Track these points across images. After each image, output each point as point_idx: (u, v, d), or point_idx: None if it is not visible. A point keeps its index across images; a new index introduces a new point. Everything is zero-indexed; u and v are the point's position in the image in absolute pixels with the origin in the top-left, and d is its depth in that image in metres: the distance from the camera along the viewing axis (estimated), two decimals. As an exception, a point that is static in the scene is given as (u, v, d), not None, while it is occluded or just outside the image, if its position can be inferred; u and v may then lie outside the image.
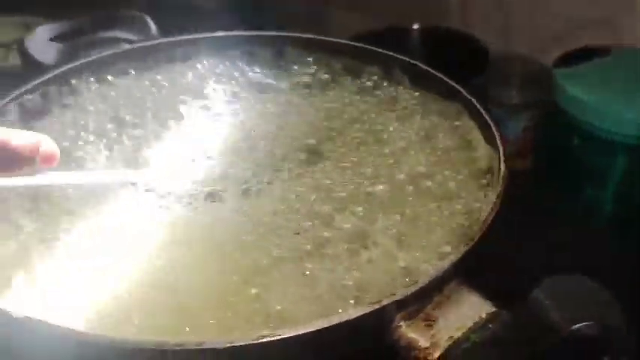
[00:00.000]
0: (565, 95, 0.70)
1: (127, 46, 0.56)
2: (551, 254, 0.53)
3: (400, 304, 0.36)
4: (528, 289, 0.36)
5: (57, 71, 0.53)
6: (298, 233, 0.43)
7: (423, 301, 0.37)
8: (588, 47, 0.74)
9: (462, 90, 0.51)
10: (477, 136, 0.49)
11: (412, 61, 0.55)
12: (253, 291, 0.39)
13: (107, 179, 0.47)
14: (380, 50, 0.57)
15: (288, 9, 0.94)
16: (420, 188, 0.45)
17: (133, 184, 0.46)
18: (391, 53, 0.56)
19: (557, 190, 0.72)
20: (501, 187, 0.42)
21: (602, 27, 0.78)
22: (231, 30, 0.61)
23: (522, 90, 0.81)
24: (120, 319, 0.38)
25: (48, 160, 0.42)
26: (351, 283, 0.40)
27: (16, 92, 0.51)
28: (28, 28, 0.99)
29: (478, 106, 0.49)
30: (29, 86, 0.52)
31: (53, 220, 0.44)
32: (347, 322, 0.35)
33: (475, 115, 0.50)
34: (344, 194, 0.45)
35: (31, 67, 0.58)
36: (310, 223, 0.43)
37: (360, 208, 0.44)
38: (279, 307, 0.38)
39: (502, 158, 0.44)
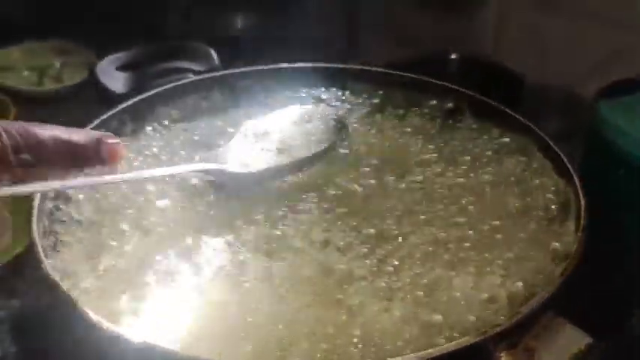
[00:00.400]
0: (609, 126, 0.71)
1: (204, 75, 0.57)
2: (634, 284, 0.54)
3: (502, 335, 0.38)
4: (621, 320, 0.38)
5: (132, 100, 0.55)
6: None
7: (522, 331, 0.38)
8: (629, 78, 0.75)
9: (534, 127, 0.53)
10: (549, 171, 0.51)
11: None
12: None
13: (181, 170, 0.47)
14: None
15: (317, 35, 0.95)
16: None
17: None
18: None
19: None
20: (585, 219, 0.44)
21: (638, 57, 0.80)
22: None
23: (558, 121, 0.83)
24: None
25: (113, 154, 0.41)
26: (439, 316, 0.41)
27: (98, 120, 0.52)
28: (62, 53, 1.01)
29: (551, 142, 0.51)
30: (111, 113, 0.53)
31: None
32: (451, 352, 0.37)
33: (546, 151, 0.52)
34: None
35: (102, 95, 0.59)
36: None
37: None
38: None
39: (581, 194, 0.46)
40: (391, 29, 0.95)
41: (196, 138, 0.53)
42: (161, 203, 0.47)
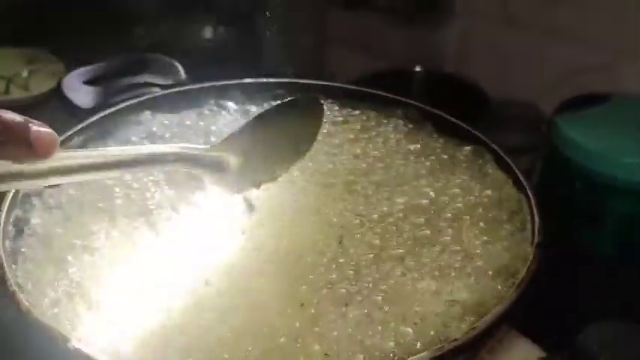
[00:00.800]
0: (566, 141, 0.73)
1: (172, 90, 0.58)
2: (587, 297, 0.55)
3: (458, 349, 0.39)
4: (572, 334, 0.39)
5: (97, 116, 0.55)
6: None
7: (478, 345, 0.39)
8: (588, 94, 0.77)
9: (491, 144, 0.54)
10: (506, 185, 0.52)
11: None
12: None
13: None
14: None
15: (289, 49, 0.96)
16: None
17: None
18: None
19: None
20: (539, 237, 0.45)
21: (599, 73, 0.82)
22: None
23: (520, 135, 0.85)
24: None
25: (42, 142, 0.37)
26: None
27: (65, 135, 0.52)
28: (32, 61, 1.01)
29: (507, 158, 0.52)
30: (76, 129, 0.53)
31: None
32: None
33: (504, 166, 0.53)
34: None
35: (68, 109, 0.59)
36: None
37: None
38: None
39: (535, 211, 0.47)
40: (358, 43, 0.96)
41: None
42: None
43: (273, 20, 0.83)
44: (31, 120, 0.38)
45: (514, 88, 0.89)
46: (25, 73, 0.97)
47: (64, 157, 0.39)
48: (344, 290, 0.43)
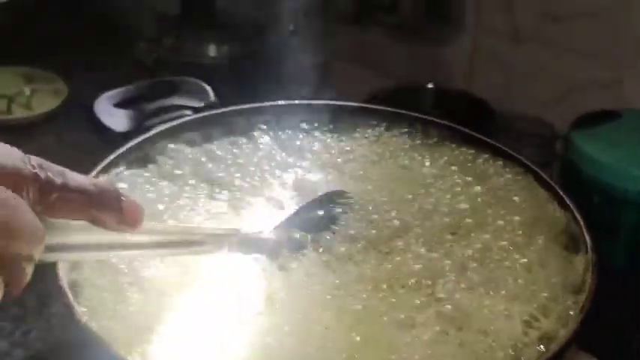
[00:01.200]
0: (582, 156, 0.75)
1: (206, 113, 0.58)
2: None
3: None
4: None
5: (136, 140, 0.54)
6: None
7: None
8: (601, 110, 0.79)
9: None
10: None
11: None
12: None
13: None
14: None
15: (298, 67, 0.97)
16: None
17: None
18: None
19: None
20: (593, 256, 0.46)
21: (607, 88, 0.84)
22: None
23: (530, 149, 0.86)
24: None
25: (133, 212, 0.37)
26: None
27: (106, 161, 0.52)
28: (31, 80, 0.99)
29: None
30: (114, 156, 0.52)
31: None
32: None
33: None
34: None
35: (101, 133, 0.58)
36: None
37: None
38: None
39: (587, 236, 0.48)
40: (367, 61, 0.97)
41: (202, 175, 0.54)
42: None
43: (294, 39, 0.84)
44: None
45: (521, 103, 0.91)
46: (27, 92, 0.96)
47: (148, 230, 0.38)
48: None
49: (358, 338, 0.42)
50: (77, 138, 0.81)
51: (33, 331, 0.60)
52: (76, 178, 0.35)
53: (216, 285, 0.45)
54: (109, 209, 0.36)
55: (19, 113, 0.93)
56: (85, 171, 0.51)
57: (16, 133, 0.88)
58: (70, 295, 0.42)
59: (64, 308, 0.45)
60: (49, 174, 0.33)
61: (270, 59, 0.89)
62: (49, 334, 0.60)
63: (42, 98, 0.95)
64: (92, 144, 0.61)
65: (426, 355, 0.41)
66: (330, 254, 0.48)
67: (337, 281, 0.46)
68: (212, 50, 0.95)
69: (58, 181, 0.34)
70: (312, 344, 0.41)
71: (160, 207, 0.50)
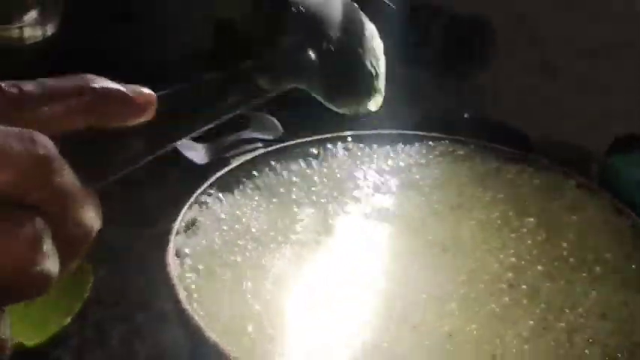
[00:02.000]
0: (623, 181, 0.78)
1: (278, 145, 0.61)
2: None
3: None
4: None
5: (222, 172, 0.57)
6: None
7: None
8: (632, 134, 0.83)
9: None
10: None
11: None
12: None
13: None
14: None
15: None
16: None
17: None
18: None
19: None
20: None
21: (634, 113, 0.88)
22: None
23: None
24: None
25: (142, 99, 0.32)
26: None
27: (194, 196, 0.55)
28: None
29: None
30: (205, 186, 0.55)
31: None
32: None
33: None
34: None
35: (184, 166, 0.62)
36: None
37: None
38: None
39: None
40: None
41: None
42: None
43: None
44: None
45: (553, 132, 0.95)
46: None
47: None
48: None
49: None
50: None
51: None
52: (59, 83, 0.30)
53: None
54: (114, 100, 0.31)
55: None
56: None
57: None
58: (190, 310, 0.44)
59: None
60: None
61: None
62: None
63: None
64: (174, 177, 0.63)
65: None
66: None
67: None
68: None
69: (37, 90, 0.29)
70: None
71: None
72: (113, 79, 0.32)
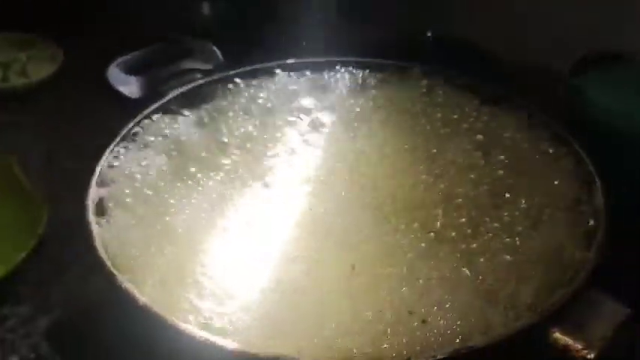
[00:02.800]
0: (584, 100, 0.76)
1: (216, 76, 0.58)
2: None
3: (555, 314, 0.41)
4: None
5: (153, 107, 0.55)
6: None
7: (570, 309, 0.42)
8: (600, 53, 0.80)
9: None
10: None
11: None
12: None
13: None
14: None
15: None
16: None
17: None
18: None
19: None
20: (606, 201, 0.48)
21: (610, 34, 0.85)
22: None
23: (534, 96, 0.87)
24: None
25: None
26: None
27: (125, 130, 0.53)
28: (26, 46, 0.98)
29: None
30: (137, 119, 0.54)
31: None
32: (511, 335, 0.40)
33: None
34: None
35: (117, 100, 0.59)
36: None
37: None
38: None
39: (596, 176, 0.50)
40: (364, 13, 0.97)
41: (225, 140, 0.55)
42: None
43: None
44: None
45: (525, 51, 0.92)
46: (23, 59, 0.95)
47: None
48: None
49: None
50: (77, 102, 0.80)
51: (52, 296, 0.60)
52: None
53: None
54: None
55: (15, 81, 0.93)
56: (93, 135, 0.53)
57: (14, 101, 0.88)
58: (102, 253, 0.43)
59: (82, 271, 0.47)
60: None
61: (274, 17, 0.89)
62: (68, 298, 0.60)
63: (38, 65, 0.93)
64: (93, 106, 0.61)
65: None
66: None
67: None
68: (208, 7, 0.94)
69: None
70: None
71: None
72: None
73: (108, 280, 0.42)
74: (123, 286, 0.41)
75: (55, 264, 0.63)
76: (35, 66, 0.94)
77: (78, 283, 0.60)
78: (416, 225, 0.49)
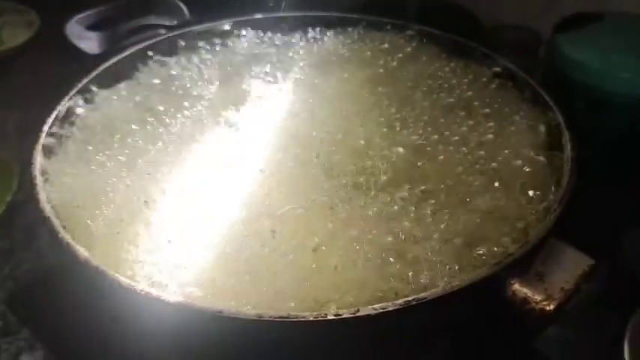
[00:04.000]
0: (566, 60, 0.74)
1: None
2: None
3: (514, 264, 0.40)
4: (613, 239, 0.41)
5: (109, 62, 0.53)
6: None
7: (530, 259, 0.41)
8: (582, 13, 0.78)
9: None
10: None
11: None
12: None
13: None
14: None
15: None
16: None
17: None
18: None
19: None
20: (573, 152, 0.46)
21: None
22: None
23: (515, 58, 0.85)
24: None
25: None
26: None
27: (80, 84, 0.51)
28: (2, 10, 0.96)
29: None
30: (92, 76, 0.52)
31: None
32: (470, 284, 0.39)
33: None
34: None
35: (75, 56, 0.57)
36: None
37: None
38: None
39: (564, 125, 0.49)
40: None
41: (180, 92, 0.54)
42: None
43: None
44: None
45: (505, 13, 0.90)
46: (-4, 25, 0.93)
47: None
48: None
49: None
50: (53, 68, 0.79)
51: (23, 263, 0.60)
52: None
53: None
54: None
55: (-1, 46, 0.90)
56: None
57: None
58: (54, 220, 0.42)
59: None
60: None
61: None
62: (38, 265, 0.60)
63: (13, 31, 0.91)
64: (69, 72, 0.60)
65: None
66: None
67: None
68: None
69: None
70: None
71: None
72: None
73: (51, 235, 0.41)
74: (65, 241, 0.40)
75: (26, 230, 0.63)
76: (11, 32, 0.92)
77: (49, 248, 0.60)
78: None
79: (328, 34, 0.62)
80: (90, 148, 0.49)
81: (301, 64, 0.57)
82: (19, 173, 0.63)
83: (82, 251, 0.39)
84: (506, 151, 0.48)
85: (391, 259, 0.41)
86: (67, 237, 0.40)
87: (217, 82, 0.54)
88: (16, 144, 0.70)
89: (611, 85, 0.72)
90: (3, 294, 0.57)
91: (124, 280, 0.38)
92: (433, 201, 0.45)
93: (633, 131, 0.73)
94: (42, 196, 0.42)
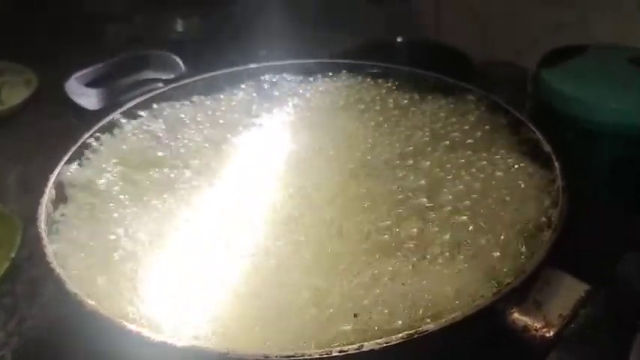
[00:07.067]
0: (552, 93, 0.76)
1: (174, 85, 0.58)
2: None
3: (512, 293, 0.41)
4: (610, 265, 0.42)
5: (111, 116, 0.55)
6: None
7: (528, 288, 0.42)
8: (566, 47, 0.80)
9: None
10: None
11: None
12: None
13: None
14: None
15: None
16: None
17: None
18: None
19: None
20: (565, 180, 0.48)
21: (574, 28, 0.85)
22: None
23: (507, 94, 0.87)
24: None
25: None
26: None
27: (81, 140, 0.52)
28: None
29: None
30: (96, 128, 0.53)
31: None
32: (471, 315, 0.39)
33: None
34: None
35: (76, 113, 0.59)
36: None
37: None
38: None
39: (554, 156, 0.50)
40: (335, 22, 0.97)
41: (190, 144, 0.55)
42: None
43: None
44: None
45: (494, 51, 0.92)
46: (-5, 85, 0.95)
47: None
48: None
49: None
50: (53, 125, 0.81)
51: (28, 319, 0.60)
52: None
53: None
54: None
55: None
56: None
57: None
58: (58, 270, 0.42)
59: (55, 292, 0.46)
60: None
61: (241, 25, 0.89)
62: (43, 319, 0.60)
63: (12, 90, 0.93)
64: (69, 128, 0.61)
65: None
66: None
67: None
68: (181, 25, 0.95)
69: None
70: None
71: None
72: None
73: (57, 286, 0.42)
74: (72, 292, 0.41)
75: (30, 286, 0.63)
76: (10, 92, 0.94)
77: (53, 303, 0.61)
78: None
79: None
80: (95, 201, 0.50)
81: (304, 113, 0.59)
82: (22, 228, 0.63)
83: (89, 302, 0.40)
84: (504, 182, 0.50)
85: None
86: (74, 289, 0.41)
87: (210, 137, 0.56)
88: (18, 199, 0.71)
89: (599, 116, 0.73)
90: (9, 349, 0.57)
91: (132, 327, 0.38)
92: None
93: (624, 158, 0.74)
94: (48, 250, 0.43)
